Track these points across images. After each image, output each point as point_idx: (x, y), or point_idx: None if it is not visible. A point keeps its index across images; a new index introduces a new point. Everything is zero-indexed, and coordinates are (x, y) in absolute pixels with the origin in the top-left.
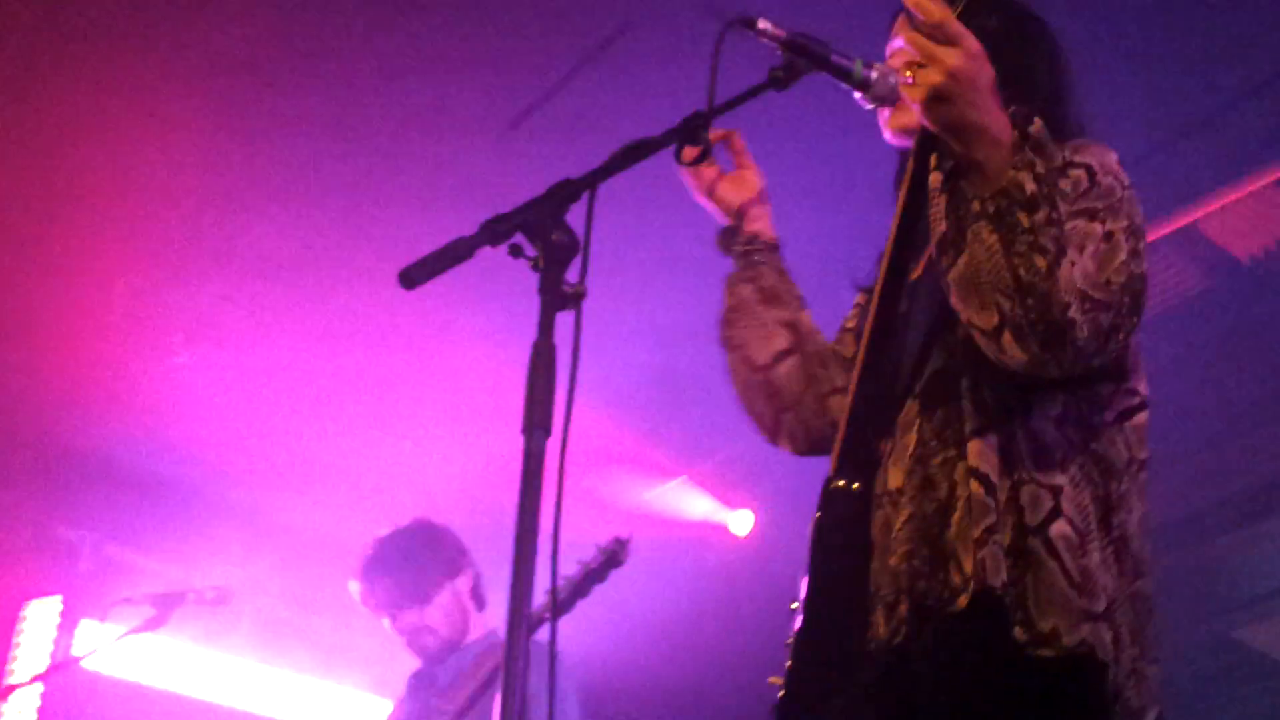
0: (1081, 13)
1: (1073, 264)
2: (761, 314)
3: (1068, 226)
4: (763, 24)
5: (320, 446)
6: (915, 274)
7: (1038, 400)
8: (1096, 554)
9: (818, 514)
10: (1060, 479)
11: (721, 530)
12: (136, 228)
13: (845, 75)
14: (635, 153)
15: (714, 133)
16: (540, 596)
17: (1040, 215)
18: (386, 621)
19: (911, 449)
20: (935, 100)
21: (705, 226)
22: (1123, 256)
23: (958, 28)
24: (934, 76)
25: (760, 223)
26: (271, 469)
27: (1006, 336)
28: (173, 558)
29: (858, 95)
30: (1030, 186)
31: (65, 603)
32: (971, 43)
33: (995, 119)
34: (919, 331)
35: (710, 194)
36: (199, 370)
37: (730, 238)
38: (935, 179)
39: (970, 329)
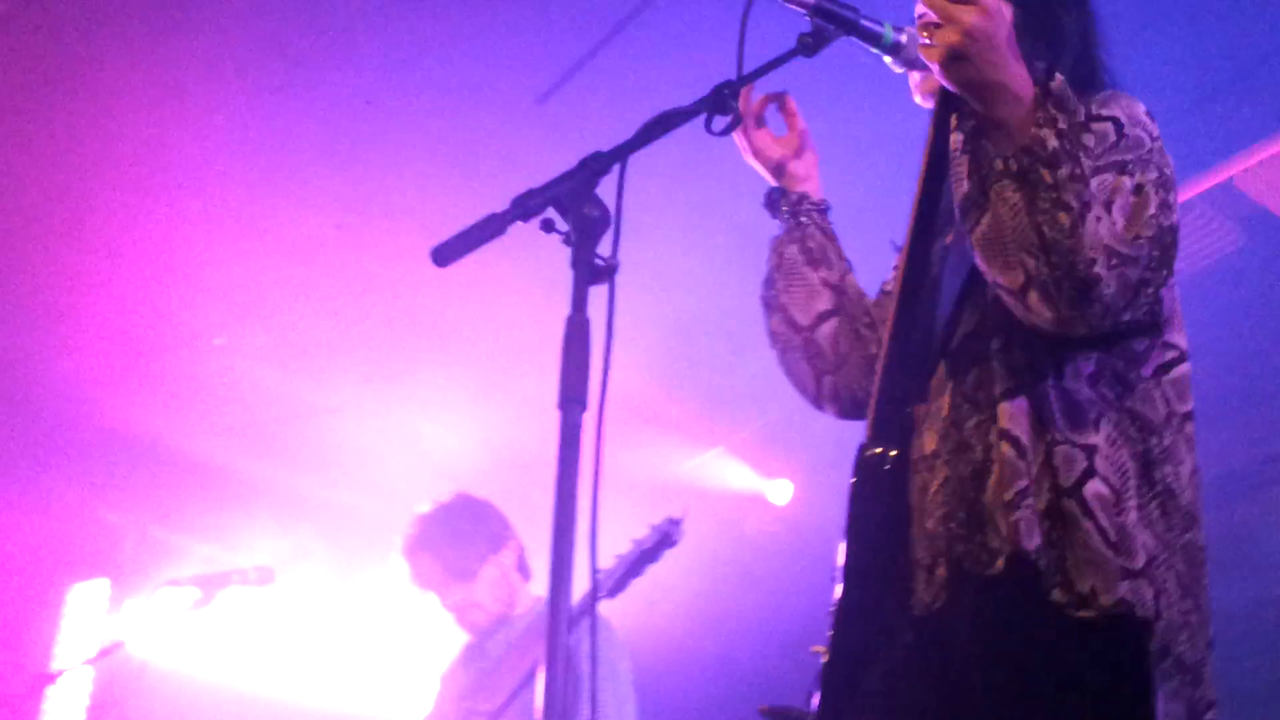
0: None
1: (1099, 219)
2: (806, 275)
3: (1095, 181)
4: None
5: (360, 426)
6: (949, 238)
7: (1070, 359)
8: (1134, 512)
9: (853, 480)
10: (1094, 438)
11: (760, 500)
12: (174, 211)
13: (874, 39)
14: (665, 123)
15: (766, 95)
16: (583, 570)
17: (1063, 171)
18: (435, 598)
19: (945, 412)
20: (953, 60)
21: (743, 196)
22: (1151, 210)
23: None
24: (951, 36)
25: (808, 184)
26: (312, 449)
27: (1033, 295)
28: (216, 539)
29: (888, 59)
30: (1053, 143)
31: (112, 586)
32: (988, 0)
33: (1015, 76)
34: (950, 294)
35: (761, 156)
36: (238, 352)
37: (778, 198)
38: (956, 140)
39: (997, 289)
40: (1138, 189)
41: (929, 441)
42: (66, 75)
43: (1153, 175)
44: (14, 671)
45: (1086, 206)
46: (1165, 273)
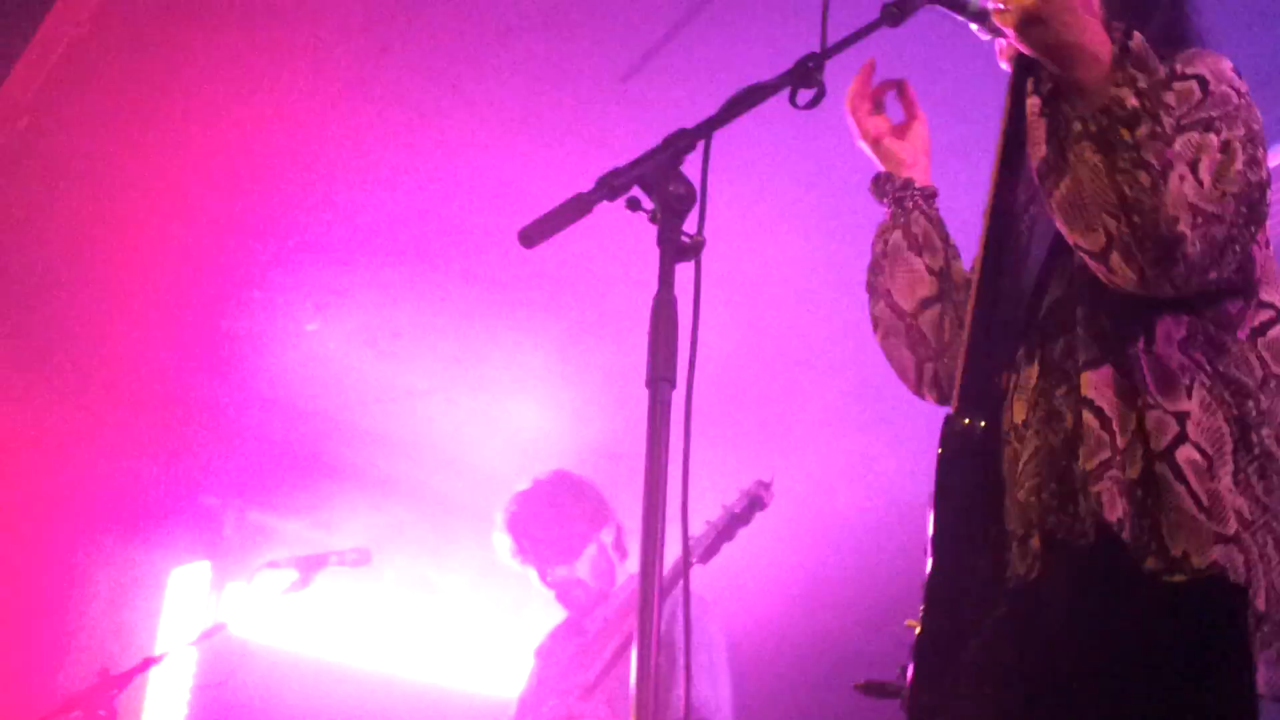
0: None
1: (1182, 178)
2: (910, 261)
3: (1181, 139)
4: None
5: (451, 407)
6: (1035, 207)
7: (1160, 324)
8: (1228, 477)
9: (940, 451)
10: (1186, 404)
11: (853, 475)
12: (264, 199)
13: (960, 7)
14: (749, 99)
15: (885, 82)
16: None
17: (1143, 130)
18: (534, 574)
19: (1034, 381)
20: (1028, 22)
21: (833, 169)
22: (1238, 165)
23: None
24: None
25: (916, 170)
26: (404, 431)
27: (1115, 257)
28: (312, 521)
29: (974, 26)
30: (1132, 102)
31: (212, 568)
32: None
33: (1092, 36)
34: (1037, 261)
35: (870, 139)
36: (330, 337)
37: (884, 184)
38: (1034, 104)
39: (1079, 252)
40: (1225, 146)
41: (1018, 411)
42: (149, 71)
43: (1240, 131)
44: (119, 654)
45: (1169, 165)
46: (1253, 229)
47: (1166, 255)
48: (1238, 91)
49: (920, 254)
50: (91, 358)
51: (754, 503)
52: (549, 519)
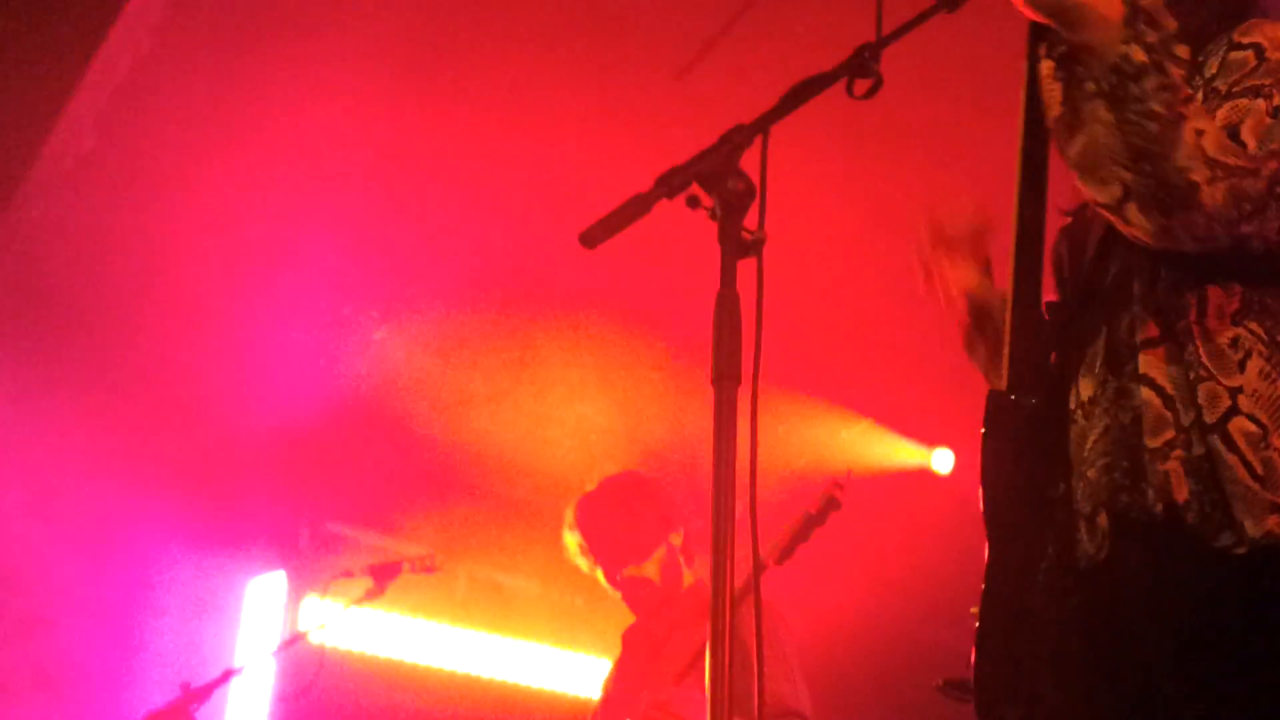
0: None
1: (1199, 132)
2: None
3: (1227, 105)
4: None
5: (515, 412)
6: None
7: (1213, 296)
8: None
9: (984, 430)
10: (1240, 378)
11: (923, 472)
12: (327, 210)
13: None
14: (806, 91)
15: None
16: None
17: (1151, 82)
18: (601, 574)
19: (1101, 357)
20: None
21: (891, 165)
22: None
23: None
24: None
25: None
26: (471, 436)
27: (1131, 208)
28: (385, 529)
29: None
30: (1139, 56)
31: (289, 579)
32: None
33: None
34: (1095, 235)
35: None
36: (397, 345)
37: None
38: (1047, 66)
39: (1098, 209)
40: (1275, 111)
41: (1085, 387)
42: (224, 81)
43: None
44: (197, 667)
45: (1180, 117)
46: None
47: (1181, 204)
48: None
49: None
50: (161, 374)
51: (829, 503)
52: (619, 518)
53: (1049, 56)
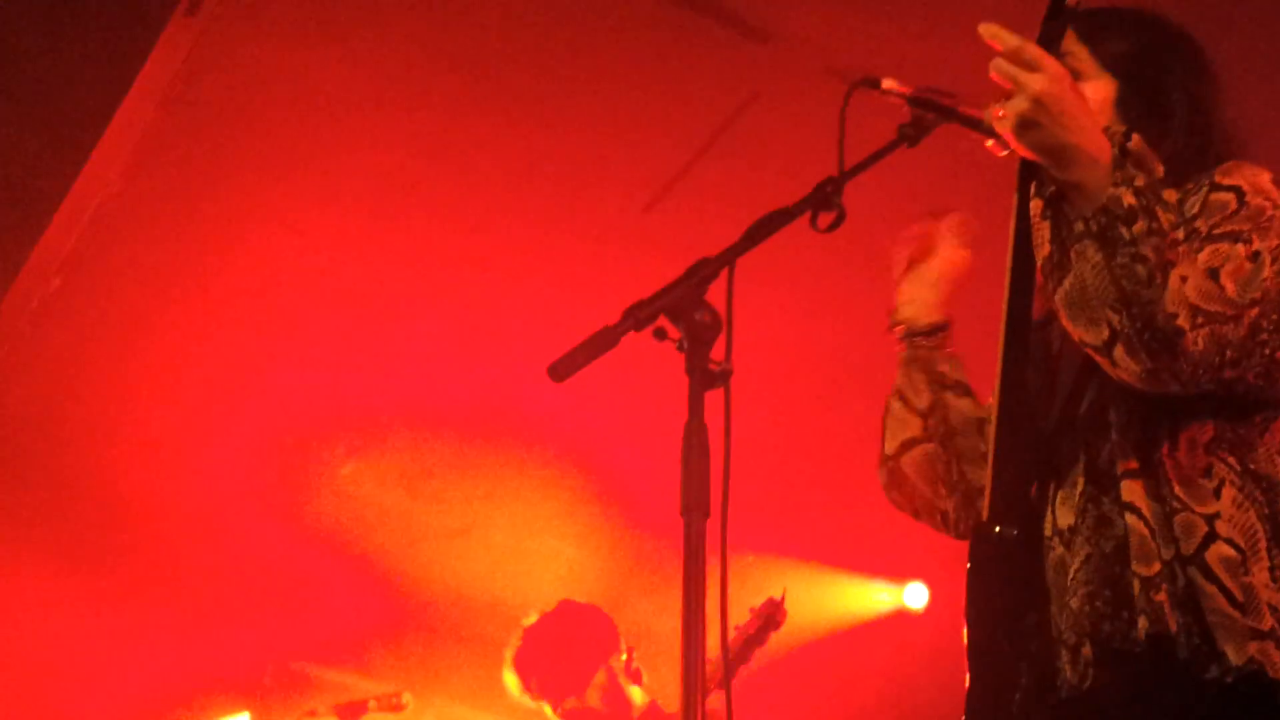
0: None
1: (1183, 279)
2: (906, 400)
3: (1208, 249)
4: (887, 83)
5: (486, 544)
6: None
7: (1185, 428)
8: (1264, 573)
9: (970, 563)
10: (1215, 504)
11: (898, 611)
12: (295, 347)
13: (976, 125)
14: (770, 224)
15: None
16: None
17: (1139, 226)
18: (548, 709)
19: (1080, 487)
20: (1024, 126)
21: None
22: (1265, 273)
23: (1036, 52)
24: (1020, 104)
25: (911, 307)
26: (439, 570)
27: (1118, 350)
28: (351, 666)
29: (989, 143)
30: (1129, 200)
31: (252, 718)
32: (1052, 65)
33: (1089, 138)
34: (1072, 365)
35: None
36: (365, 479)
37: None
38: (1036, 205)
39: (1084, 348)
40: (1253, 255)
41: (1064, 516)
42: (186, 226)
43: (1273, 242)
44: None
45: (1168, 263)
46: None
47: (1166, 349)
48: (1275, 204)
49: (916, 393)
50: (123, 511)
51: (767, 623)
52: (555, 652)
53: (1038, 195)
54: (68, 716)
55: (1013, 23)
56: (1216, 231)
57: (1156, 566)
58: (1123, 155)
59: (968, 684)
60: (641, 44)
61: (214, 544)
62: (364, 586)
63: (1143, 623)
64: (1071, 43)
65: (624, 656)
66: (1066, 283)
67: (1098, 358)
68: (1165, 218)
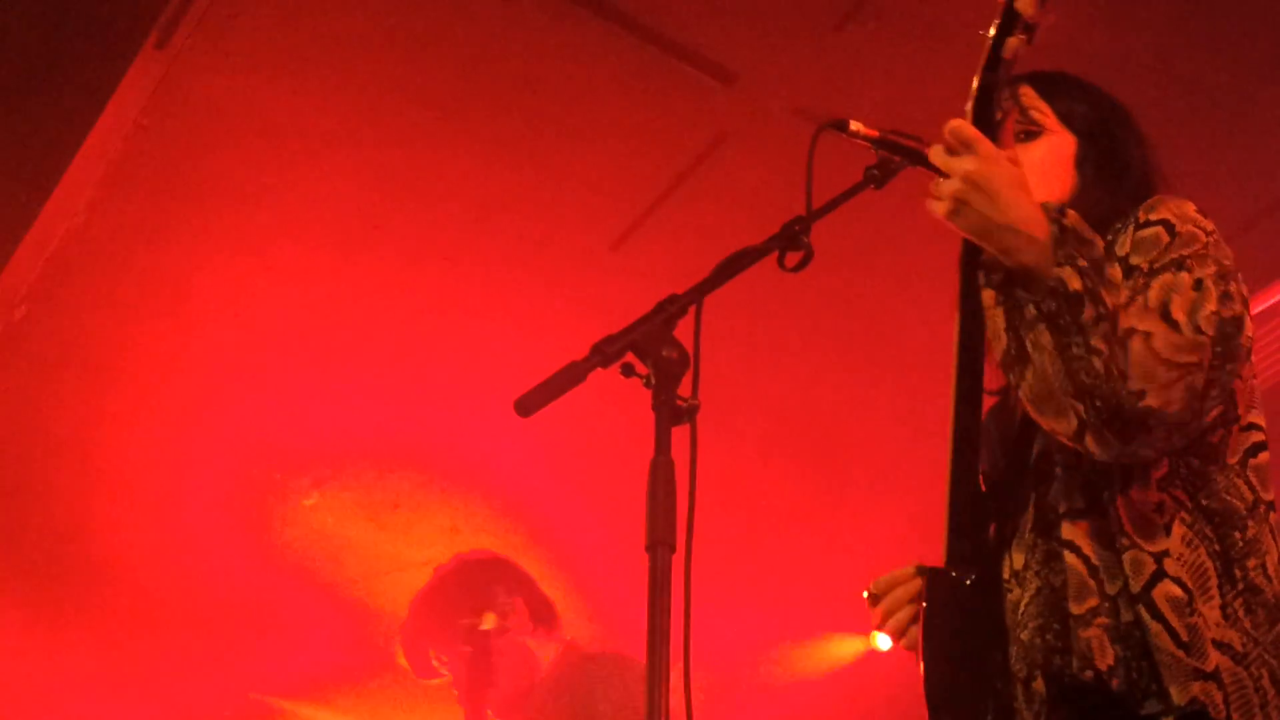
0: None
1: (1148, 335)
2: None
3: (1155, 283)
4: (854, 125)
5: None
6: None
7: (1139, 466)
8: (1213, 611)
9: (925, 605)
10: (1165, 541)
11: (869, 654)
12: (259, 378)
13: (941, 170)
14: (738, 263)
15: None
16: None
17: (1088, 313)
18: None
19: (1030, 527)
20: (956, 207)
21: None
22: (1212, 305)
23: (970, 133)
24: (951, 184)
25: None
26: (404, 603)
27: (1088, 438)
28: (315, 700)
29: None
30: (1075, 284)
31: None
32: (984, 146)
33: (1024, 216)
34: (1017, 414)
35: None
36: (329, 511)
37: None
38: (989, 296)
39: (1056, 436)
40: (1197, 284)
41: (1017, 559)
42: (152, 257)
43: (1210, 269)
44: None
45: (1123, 340)
46: (1231, 365)
47: (1140, 428)
48: (1204, 230)
49: None
50: (88, 541)
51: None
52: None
53: (987, 285)
54: None
55: (975, 69)
56: (1158, 265)
57: (1091, 603)
58: (1063, 232)
59: None
60: (609, 82)
61: (178, 576)
62: (329, 619)
63: (1076, 661)
64: (1034, 99)
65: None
66: (1029, 377)
67: (1071, 445)
68: (1112, 298)
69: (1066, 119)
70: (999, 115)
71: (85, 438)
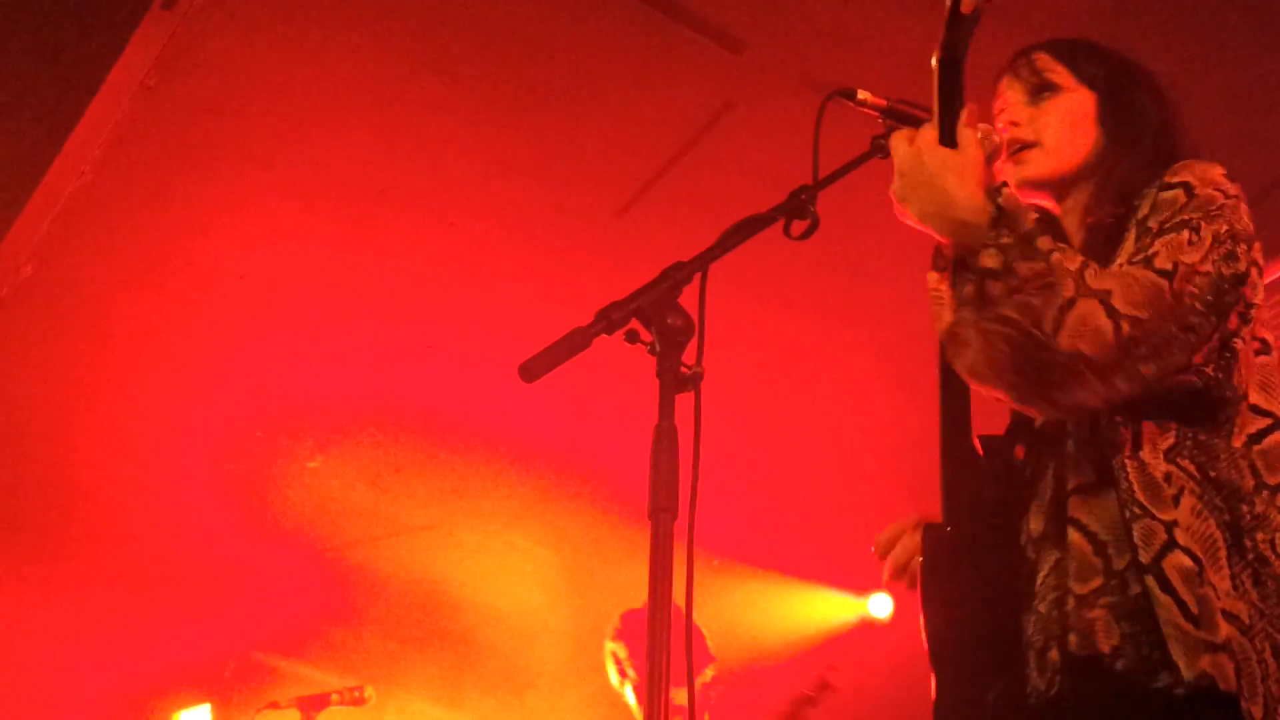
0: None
1: (1107, 294)
2: None
3: (1160, 241)
4: (862, 94)
5: (450, 542)
6: None
7: (1146, 433)
8: (1223, 582)
9: (923, 561)
10: (1175, 512)
11: (864, 622)
12: (265, 341)
13: (948, 140)
14: (744, 230)
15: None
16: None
17: (998, 287)
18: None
19: (1048, 495)
20: (900, 198)
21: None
22: (1195, 257)
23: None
24: (895, 180)
25: None
26: (406, 566)
27: (1034, 407)
28: (315, 660)
29: None
30: (989, 261)
31: (215, 710)
32: (922, 136)
33: (960, 201)
34: None
35: None
36: (332, 474)
37: None
38: (932, 278)
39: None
40: (1191, 240)
41: (1035, 524)
42: (159, 217)
43: (1221, 227)
44: None
45: (1071, 302)
46: (1214, 319)
47: (1066, 374)
48: (1226, 193)
49: None
50: (90, 501)
51: (823, 687)
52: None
53: (934, 268)
54: (28, 712)
55: (984, 41)
56: (1167, 225)
57: (1096, 583)
58: (999, 214)
59: (935, 692)
60: (617, 49)
61: (180, 536)
62: (329, 580)
63: (1073, 639)
64: (1049, 61)
65: (711, 673)
66: (965, 356)
67: (1023, 410)
68: (1030, 266)
69: (1084, 78)
70: (964, 70)
71: (90, 395)
